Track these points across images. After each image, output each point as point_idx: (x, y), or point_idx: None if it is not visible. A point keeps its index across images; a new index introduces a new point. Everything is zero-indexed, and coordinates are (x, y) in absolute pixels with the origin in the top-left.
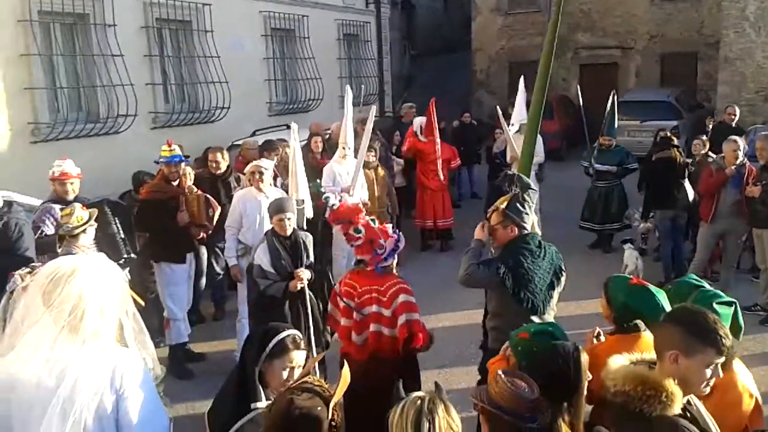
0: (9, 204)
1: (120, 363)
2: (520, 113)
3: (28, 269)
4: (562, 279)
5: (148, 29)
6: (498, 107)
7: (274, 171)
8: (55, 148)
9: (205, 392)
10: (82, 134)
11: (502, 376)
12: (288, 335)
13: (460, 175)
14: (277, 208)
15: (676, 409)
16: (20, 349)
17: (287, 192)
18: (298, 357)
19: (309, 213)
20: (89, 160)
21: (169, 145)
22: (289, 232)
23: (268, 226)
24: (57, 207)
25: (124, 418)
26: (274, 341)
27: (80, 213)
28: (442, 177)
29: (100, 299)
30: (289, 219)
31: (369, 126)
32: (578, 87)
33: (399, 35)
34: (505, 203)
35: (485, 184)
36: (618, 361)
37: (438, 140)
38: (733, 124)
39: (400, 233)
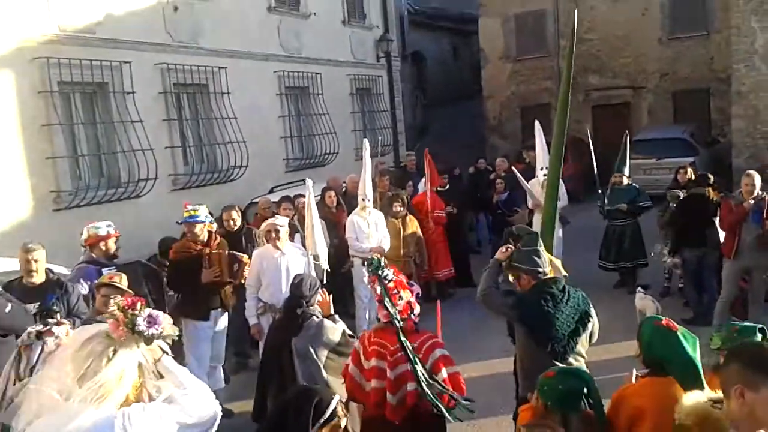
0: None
1: (127, 414)
2: (544, 157)
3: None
4: (590, 325)
5: (166, 94)
6: (508, 162)
7: (292, 225)
8: (78, 214)
9: None
10: (104, 200)
11: (525, 428)
12: (338, 399)
13: (478, 222)
14: None
15: None
16: (46, 400)
17: (305, 246)
18: (344, 423)
19: (325, 266)
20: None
21: (185, 207)
22: None
23: (287, 283)
24: (93, 268)
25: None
26: (331, 408)
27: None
28: (432, 226)
29: (122, 364)
30: None
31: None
32: (588, 130)
33: (410, 86)
34: (508, 259)
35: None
36: (693, 397)
37: (428, 189)
38: None
39: (415, 283)
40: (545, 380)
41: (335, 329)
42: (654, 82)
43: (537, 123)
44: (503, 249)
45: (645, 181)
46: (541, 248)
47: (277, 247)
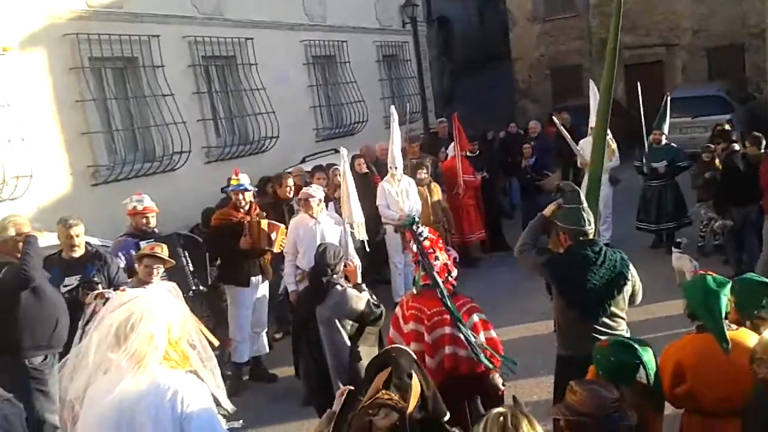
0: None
1: (182, 387)
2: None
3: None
4: (626, 288)
5: (195, 67)
6: (555, 120)
7: (326, 195)
8: (115, 189)
9: (281, 415)
10: (141, 174)
11: (576, 385)
12: None
13: (511, 186)
14: None
15: None
16: (92, 378)
17: (340, 215)
18: None
19: (363, 235)
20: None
21: (236, 174)
22: None
23: None
24: (132, 241)
25: None
26: None
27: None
28: (460, 192)
29: (148, 327)
30: None
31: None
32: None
33: (437, 51)
34: (552, 213)
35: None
36: None
37: (458, 154)
38: None
39: (452, 248)
40: (599, 349)
41: (360, 298)
42: (687, 40)
43: (591, 82)
44: (552, 206)
45: (681, 140)
46: (584, 205)
47: (313, 216)
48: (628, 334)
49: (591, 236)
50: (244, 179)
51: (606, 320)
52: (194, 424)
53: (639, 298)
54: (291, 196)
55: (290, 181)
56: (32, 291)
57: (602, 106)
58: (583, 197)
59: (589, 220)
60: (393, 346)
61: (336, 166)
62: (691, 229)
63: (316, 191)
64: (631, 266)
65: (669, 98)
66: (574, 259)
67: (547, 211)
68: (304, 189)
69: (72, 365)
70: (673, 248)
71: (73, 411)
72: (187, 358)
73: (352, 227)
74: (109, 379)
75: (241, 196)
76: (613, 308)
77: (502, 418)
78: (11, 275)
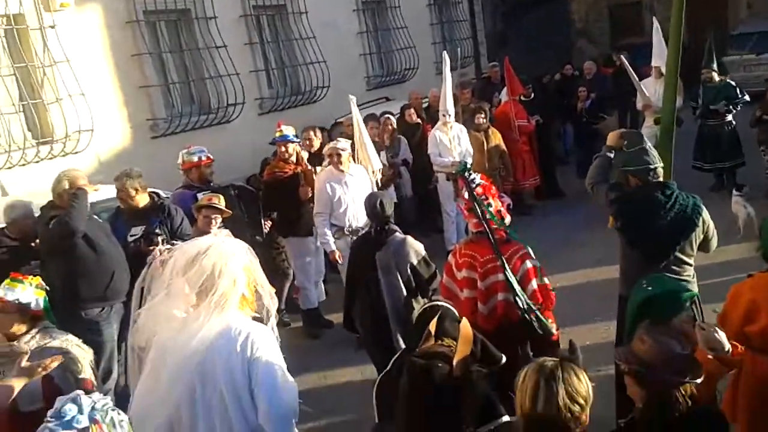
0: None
1: (253, 332)
2: (660, 55)
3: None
4: (694, 234)
5: (246, 18)
6: (623, 57)
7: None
8: (173, 141)
9: (335, 362)
10: (197, 126)
11: (647, 334)
12: None
13: (566, 131)
14: None
15: None
16: (164, 317)
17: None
18: None
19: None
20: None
21: (278, 126)
22: None
23: (359, 203)
24: (189, 193)
25: (258, 384)
26: None
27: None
28: (517, 137)
29: (232, 271)
30: None
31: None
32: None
33: None
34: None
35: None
36: None
37: (509, 99)
38: None
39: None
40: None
41: (419, 245)
42: None
43: (655, 20)
44: (617, 134)
45: (745, 78)
46: (647, 145)
47: (341, 171)
48: (694, 281)
49: (661, 176)
50: (288, 131)
51: (670, 265)
52: (261, 368)
53: (713, 245)
54: (314, 150)
55: (311, 134)
56: (87, 243)
57: (672, 50)
58: (645, 137)
59: (656, 157)
60: (432, 303)
61: (388, 114)
62: (757, 171)
63: (344, 144)
64: (704, 213)
65: (713, 36)
66: (643, 200)
67: (610, 140)
68: (331, 144)
69: (146, 314)
70: (734, 191)
71: (139, 358)
72: (254, 301)
73: (375, 174)
74: (187, 325)
75: (283, 148)
76: (678, 254)
77: (540, 369)
78: (57, 226)
